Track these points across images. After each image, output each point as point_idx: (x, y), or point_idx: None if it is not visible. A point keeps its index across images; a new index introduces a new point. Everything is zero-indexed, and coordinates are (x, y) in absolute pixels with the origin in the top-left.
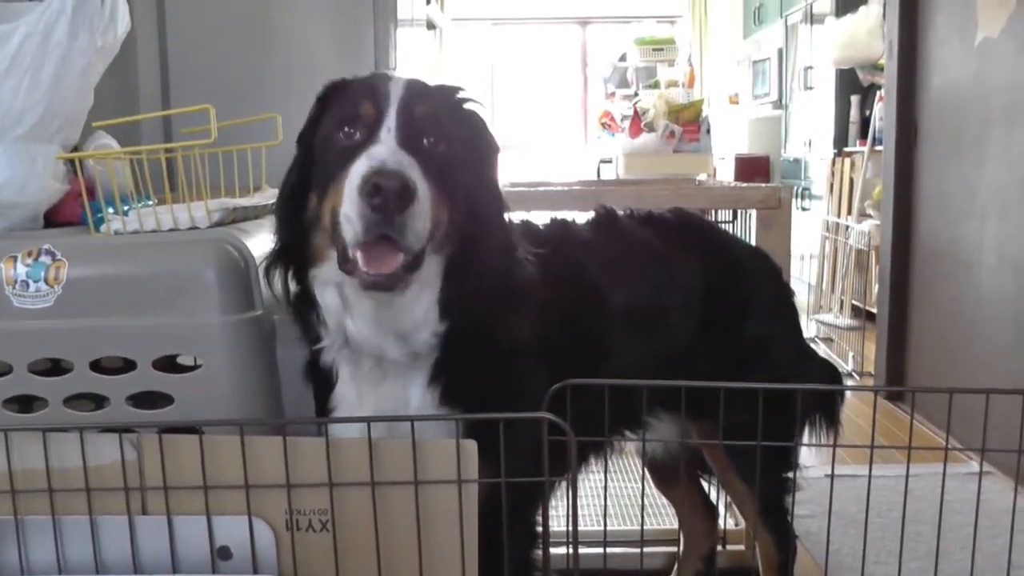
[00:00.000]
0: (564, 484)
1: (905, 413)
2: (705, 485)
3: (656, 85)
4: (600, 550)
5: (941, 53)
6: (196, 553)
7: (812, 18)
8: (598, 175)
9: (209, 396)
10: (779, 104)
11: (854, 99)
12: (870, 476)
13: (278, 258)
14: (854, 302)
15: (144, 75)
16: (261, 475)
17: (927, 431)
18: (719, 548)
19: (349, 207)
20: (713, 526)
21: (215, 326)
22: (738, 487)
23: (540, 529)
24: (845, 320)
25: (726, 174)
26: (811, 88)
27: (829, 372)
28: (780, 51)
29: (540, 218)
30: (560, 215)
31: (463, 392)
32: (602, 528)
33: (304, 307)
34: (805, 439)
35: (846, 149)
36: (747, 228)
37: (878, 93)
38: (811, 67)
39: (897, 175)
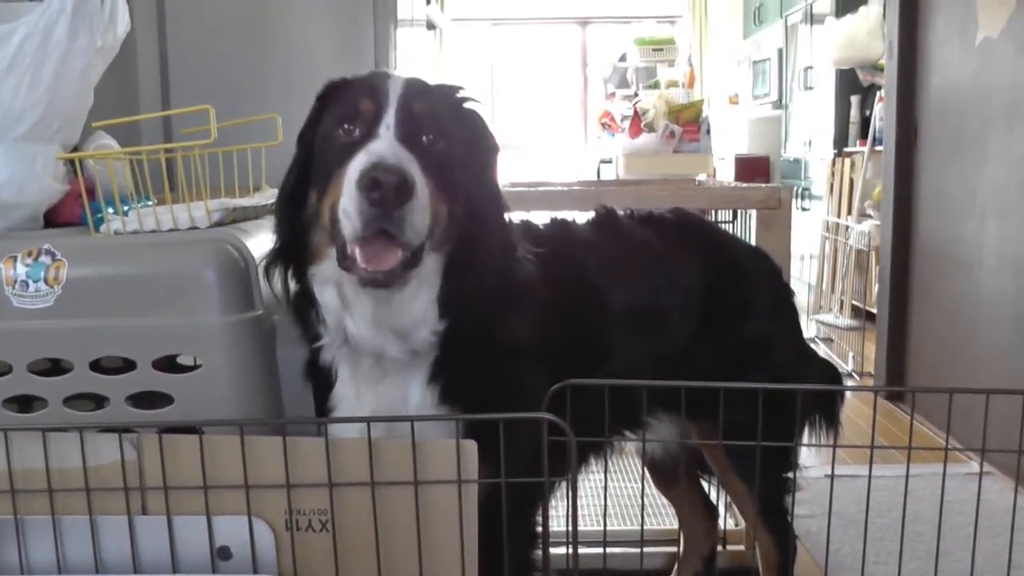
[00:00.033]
0: (564, 484)
1: (905, 413)
2: (705, 485)
3: (656, 85)
4: (600, 550)
5: (941, 53)
6: (196, 553)
7: (812, 18)
8: (598, 175)
9: (209, 396)
10: (779, 104)
11: (854, 99)
12: (870, 476)
13: (278, 257)
14: (854, 302)
15: (144, 75)
16: (261, 475)
17: (927, 431)
18: (719, 548)
19: (347, 202)
20: (713, 526)
21: (215, 326)
22: (738, 487)
23: (540, 529)
24: (845, 320)
25: (726, 174)
26: (811, 88)
27: (829, 372)
28: (780, 51)
29: (540, 218)
30: (560, 215)
31: (463, 391)
32: (602, 528)
33: (303, 306)
34: (805, 439)
35: (846, 149)
36: (747, 228)
37: (878, 93)
38: (811, 67)
39: (897, 175)
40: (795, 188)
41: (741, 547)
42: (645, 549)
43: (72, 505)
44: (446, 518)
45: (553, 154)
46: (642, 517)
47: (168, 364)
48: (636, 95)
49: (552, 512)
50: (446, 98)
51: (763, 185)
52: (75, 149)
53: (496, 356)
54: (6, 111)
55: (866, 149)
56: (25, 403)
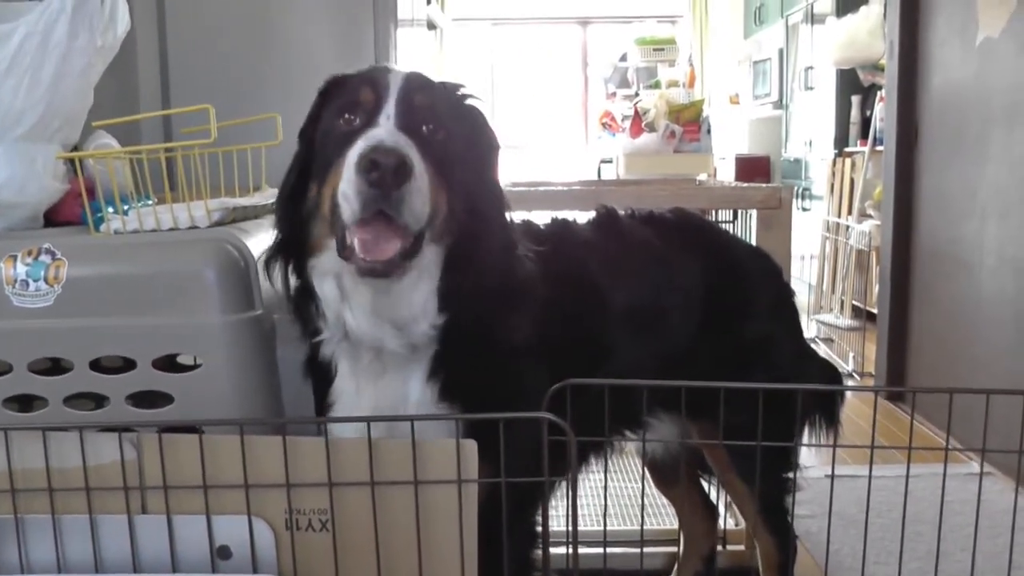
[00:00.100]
0: (564, 484)
1: (905, 413)
2: (705, 485)
3: (657, 85)
4: (600, 550)
5: (942, 53)
6: (196, 552)
7: (813, 18)
8: (599, 175)
9: (209, 395)
10: (780, 104)
11: (855, 99)
12: (870, 476)
13: (278, 251)
14: (854, 302)
15: (144, 75)
16: (261, 474)
17: (927, 431)
18: (719, 548)
19: (346, 185)
20: (713, 526)
21: (215, 325)
22: (738, 487)
23: (540, 529)
24: (845, 320)
25: (727, 174)
26: (812, 88)
27: (829, 372)
28: (781, 51)
29: (541, 218)
30: (561, 215)
31: (462, 389)
32: (602, 528)
33: (303, 300)
34: (805, 439)
35: (847, 149)
36: (747, 228)
37: (879, 93)
38: (812, 67)
39: (898, 175)
40: (796, 188)
41: (741, 547)
42: (645, 549)
43: (72, 504)
44: (446, 518)
45: (554, 154)
46: (642, 517)
47: (168, 363)
48: (637, 95)
49: (552, 512)
50: (448, 94)
51: (764, 185)
52: (75, 148)
53: (496, 354)
54: (6, 111)
55: (867, 149)
56: (25, 402)
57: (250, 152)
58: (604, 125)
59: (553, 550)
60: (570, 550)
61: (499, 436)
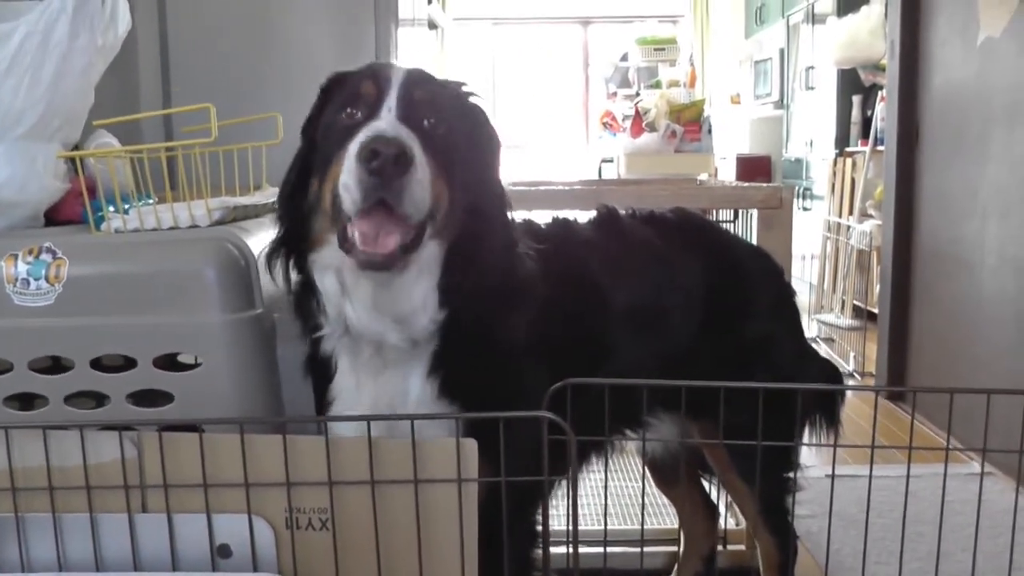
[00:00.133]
0: (564, 483)
1: (906, 413)
2: (705, 485)
3: (657, 85)
4: (600, 549)
5: (943, 53)
6: (196, 551)
7: (814, 18)
8: (599, 175)
9: (209, 394)
10: (780, 104)
11: (856, 99)
12: (871, 476)
13: (279, 246)
14: (855, 302)
15: (145, 74)
16: (261, 473)
17: (928, 431)
18: (719, 548)
19: (347, 176)
20: (713, 526)
21: (215, 324)
22: (739, 487)
23: (540, 528)
24: (846, 320)
25: (727, 174)
26: (813, 88)
27: (830, 372)
28: (782, 51)
29: (542, 217)
30: (562, 214)
31: (462, 386)
32: (602, 527)
33: (304, 295)
34: (806, 439)
35: (847, 149)
36: (748, 228)
37: (880, 93)
38: (813, 67)
39: (899, 175)
40: (796, 188)
41: (741, 547)
42: (645, 548)
43: (72, 503)
44: (446, 517)
45: (554, 153)
46: (642, 516)
47: (168, 362)
48: (638, 95)
49: (552, 511)
50: (450, 91)
51: (764, 185)
52: (76, 147)
53: (496, 353)
54: (7, 110)
55: (867, 149)
56: (26, 401)
57: (251, 151)
58: (605, 125)
59: (553, 549)
60: (570, 549)
61: (499, 435)
